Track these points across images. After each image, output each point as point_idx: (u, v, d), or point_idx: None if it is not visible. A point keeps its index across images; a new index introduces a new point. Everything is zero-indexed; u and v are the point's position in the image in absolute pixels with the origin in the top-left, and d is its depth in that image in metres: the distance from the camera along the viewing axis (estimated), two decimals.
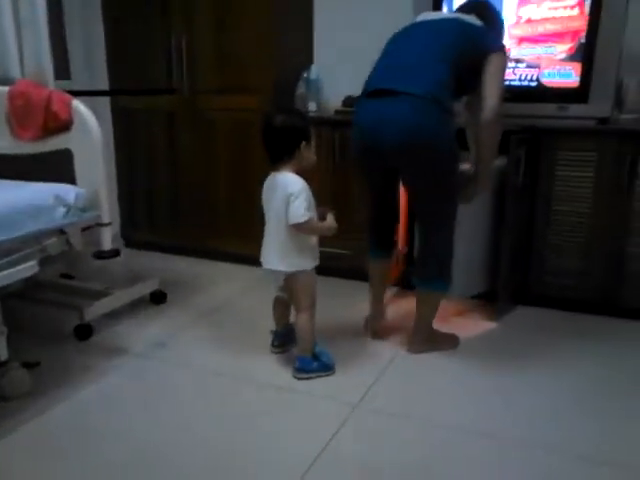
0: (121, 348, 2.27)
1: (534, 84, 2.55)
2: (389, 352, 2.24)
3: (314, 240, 2.05)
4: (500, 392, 1.98)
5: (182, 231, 3.35)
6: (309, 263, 2.03)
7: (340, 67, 3.18)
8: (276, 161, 1.99)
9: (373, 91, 2.03)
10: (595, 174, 2.43)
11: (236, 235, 3.20)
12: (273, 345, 2.24)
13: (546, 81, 2.53)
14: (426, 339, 2.23)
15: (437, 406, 1.90)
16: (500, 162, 2.40)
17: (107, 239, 2.17)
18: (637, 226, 2.41)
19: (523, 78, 2.56)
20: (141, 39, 3.20)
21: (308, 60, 3.23)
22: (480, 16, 2.12)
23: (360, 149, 2.11)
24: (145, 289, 2.65)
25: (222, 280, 3.02)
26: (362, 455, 1.66)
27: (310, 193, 1.98)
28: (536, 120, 2.50)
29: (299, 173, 2.00)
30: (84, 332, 2.33)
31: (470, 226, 2.39)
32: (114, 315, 2.50)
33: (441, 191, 2.05)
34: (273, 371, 2.11)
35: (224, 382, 2.05)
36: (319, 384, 2.02)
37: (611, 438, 1.73)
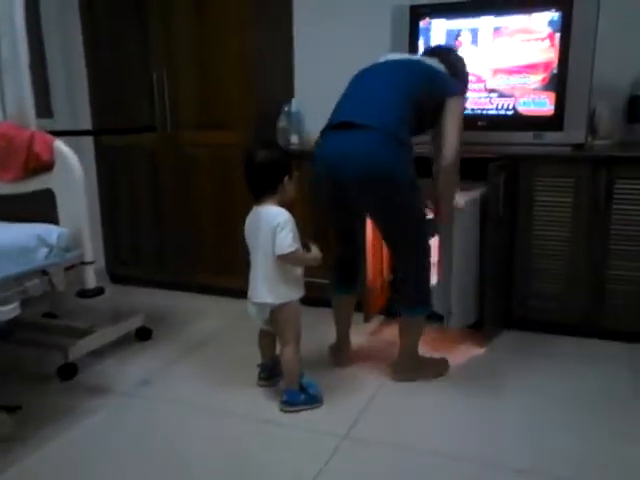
0: (105, 387, 2.24)
1: (510, 113, 2.61)
2: (376, 381, 2.23)
3: (299, 271, 2.08)
4: (487, 418, 1.98)
5: (167, 266, 3.34)
6: (295, 294, 2.05)
7: (321, 100, 3.20)
8: (259, 196, 2.02)
9: (335, 124, 2.08)
10: (573, 199, 2.48)
11: (220, 269, 3.20)
12: (260, 378, 2.23)
13: (522, 110, 2.59)
14: (411, 366, 2.23)
15: (424, 434, 1.90)
16: (480, 190, 2.45)
17: (90, 278, 2.16)
18: (615, 249, 2.44)
19: (500, 107, 2.62)
20: (123, 75, 3.24)
21: (288, 93, 3.28)
22: (443, 61, 2.21)
23: (323, 182, 2.15)
24: (130, 326, 2.63)
25: (207, 314, 3.00)
26: None
27: (294, 225, 2.00)
28: (513, 148, 2.56)
29: (281, 206, 2.02)
30: (68, 372, 2.30)
31: (462, 257, 2.42)
32: (99, 353, 2.48)
33: (404, 220, 2.09)
34: (259, 405, 2.10)
35: (210, 418, 2.03)
36: (306, 416, 2.01)
37: (593, 459, 1.73)
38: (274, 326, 2.09)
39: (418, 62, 2.19)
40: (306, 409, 2.04)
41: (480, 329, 2.56)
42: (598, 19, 2.39)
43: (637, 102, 2.61)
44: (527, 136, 2.57)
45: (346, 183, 2.02)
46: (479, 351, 2.49)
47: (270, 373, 2.22)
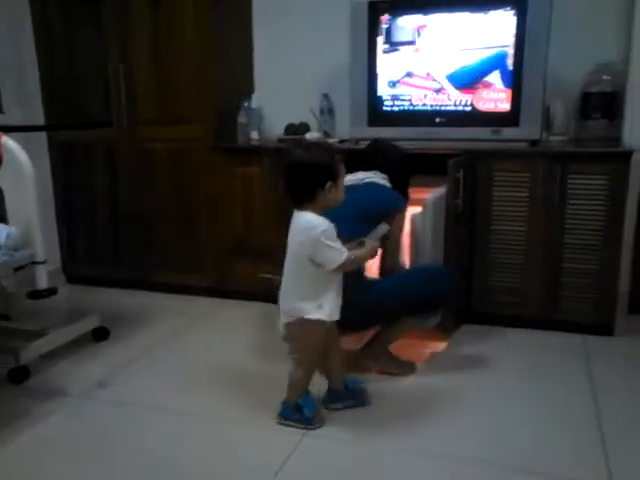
0: (59, 390, 2.18)
1: (468, 109, 2.63)
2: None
3: (334, 292, 1.83)
4: (449, 414, 1.99)
5: (126, 264, 3.27)
6: (317, 313, 1.80)
7: (281, 95, 3.21)
8: (297, 201, 1.80)
9: None
10: (529, 194, 2.52)
11: (182, 266, 3.15)
12: (324, 400, 2.02)
13: (479, 106, 2.61)
14: (380, 354, 2.24)
15: (388, 430, 1.90)
16: (446, 186, 2.46)
17: (42, 278, 2.09)
18: (570, 242, 2.50)
19: (458, 103, 2.64)
20: (77, 69, 3.15)
21: (249, 89, 3.25)
22: (383, 169, 2.24)
23: None
24: (86, 326, 2.57)
25: (167, 313, 2.95)
26: None
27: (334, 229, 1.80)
28: (472, 143, 2.58)
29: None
30: (19, 375, 2.23)
31: (432, 254, 2.41)
32: (54, 355, 2.40)
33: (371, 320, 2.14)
34: (218, 404, 2.07)
35: (167, 419, 1.99)
36: (264, 416, 1.98)
37: (539, 447, 1.77)
38: (289, 341, 1.91)
39: (365, 187, 2.19)
40: (299, 428, 1.89)
41: (441, 324, 2.57)
42: (551, 17, 2.43)
43: (589, 99, 2.67)
44: (485, 132, 2.60)
45: None
46: (441, 346, 2.51)
47: (336, 397, 2.02)
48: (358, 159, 2.35)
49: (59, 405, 2.08)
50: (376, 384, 2.16)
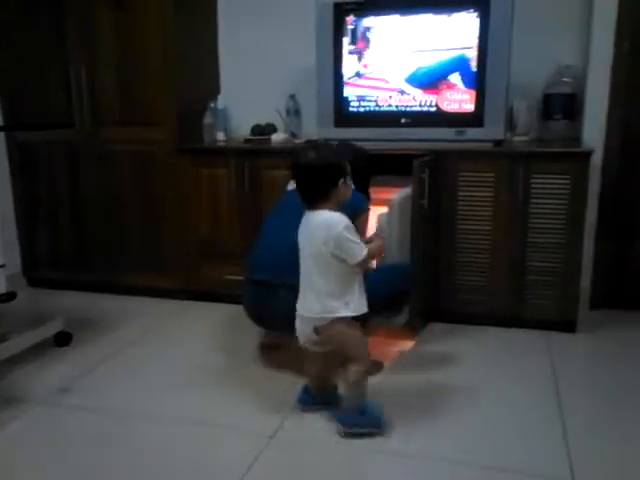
0: (21, 396, 2.12)
1: (433, 109, 2.66)
2: (303, 380, 2.21)
3: (359, 286, 1.83)
4: (417, 412, 2.00)
5: (89, 267, 3.21)
6: (350, 310, 1.80)
7: (247, 96, 3.19)
8: (310, 201, 1.81)
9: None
10: (494, 193, 2.56)
11: (147, 268, 3.10)
12: (299, 401, 2.02)
13: (444, 107, 2.64)
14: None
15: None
16: (408, 188, 2.47)
17: (0, 282, 2.03)
18: (534, 241, 2.54)
19: (423, 104, 2.66)
20: (38, 67, 3.08)
21: (215, 90, 3.22)
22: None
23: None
24: (48, 331, 2.50)
25: (133, 316, 2.90)
26: None
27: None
28: (436, 144, 2.61)
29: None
30: None
31: (399, 254, 2.42)
32: (14, 361, 2.33)
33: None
34: (184, 407, 2.04)
35: (133, 423, 1.96)
36: (232, 417, 1.97)
37: (503, 445, 1.80)
38: (325, 345, 1.86)
39: None
40: (371, 432, 1.85)
41: (408, 323, 2.59)
42: (513, 20, 2.47)
43: (551, 100, 2.72)
44: (450, 132, 2.63)
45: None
46: (408, 344, 2.52)
47: (314, 400, 2.00)
48: None
49: (20, 412, 2.02)
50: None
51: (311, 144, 1.96)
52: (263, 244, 2.24)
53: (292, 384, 2.18)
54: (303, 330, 1.86)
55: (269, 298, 2.12)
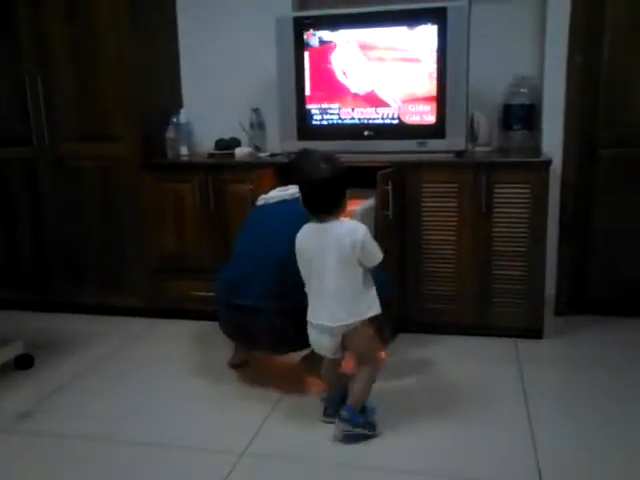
0: None
1: (395, 122, 2.68)
2: (275, 395, 2.19)
3: (374, 287, 1.91)
4: (391, 425, 1.97)
5: (50, 286, 3.13)
6: (372, 311, 1.88)
7: (210, 110, 3.17)
8: (324, 212, 1.86)
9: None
10: (458, 204, 2.58)
11: (111, 287, 3.04)
12: (326, 415, 2.00)
13: (406, 119, 2.67)
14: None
15: (323, 442, 1.88)
16: (371, 199, 2.48)
17: None
18: (498, 249, 2.57)
19: (385, 117, 2.68)
20: None
21: (177, 104, 3.19)
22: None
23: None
24: (7, 354, 2.42)
25: (97, 336, 2.83)
26: None
27: None
28: (400, 156, 2.63)
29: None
30: None
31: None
32: None
33: None
34: (151, 429, 2.00)
35: (96, 447, 1.91)
36: (201, 436, 1.93)
37: (473, 452, 1.80)
38: (350, 349, 1.91)
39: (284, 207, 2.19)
40: (362, 434, 1.87)
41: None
42: (469, 32, 2.52)
43: (510, 111, 2.78)
44: (412, 144, 2.65)
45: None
46: (379, 355, 2.51)
47: (338, 408, 1.95)
48: (288, 171, 2.35)
49: None
50: (314, 397, 2.15)
51: (315, 155, 1.97)
52: (242, 266, 2.18)
53: (261, 400, 2.16)
54: (323, 340, 1.88)
55: (251, 320, 2.09)
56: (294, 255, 1.94)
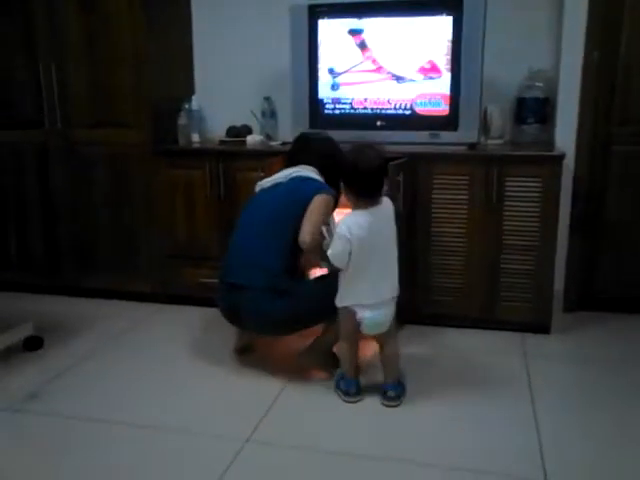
0: None
1: (408, 112, 2.67)
2: (279, 383, 2.20)
3: None
4: (395, 416, 2.00)
5: (60, 270, 3.14)
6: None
7: (222, 97, 3.17)
8: (375, 196, 1.98)
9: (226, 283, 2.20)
10: (468, 196, 2.57)
11: (120, 272, 3.06)
12: (355, 394, 2.08)
13: (419, 110, 2.65)
14: (321, 354, 2.25)
15: (330, 431, 1.89)
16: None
17: None
18: (508, 243, 2.56)
19: (397, 107, 2.67)
20: (5, 67, 3.02)
21: (189, 90, 3.19)
22: (311, 162, 2.28)
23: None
24: (16, 335, 2.44)
25: (106, 320, 2.85)
26: None
27: None
28: (411, 147, 2.61)
29: None
30: None
31: None
32: None
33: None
34: (158, 412, 2.01)
35: (103, 429, 1.92)
36: (207, 421, 1.95)
37: (479, 446, 1.80)
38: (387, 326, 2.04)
39: (288, 185, 2.23)
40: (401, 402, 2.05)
41: None
42: (485, 24, 2.49)
43: (524, 104, 2.75)
44: (424, 135, 2.64)
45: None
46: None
47: (360, 387, 2.10)
48: (288, 155, 2.39)
49: None
50: (317, 386, 2.15)
51: (357, 146, 2.04)
52: (237, 250, 2.24)
53: (266, 386, 2.17)
54: (380, 316, 1.99)
55: (239, 299, 2.14)
56: (291, 239, 2.09)
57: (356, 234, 1.93)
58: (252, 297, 2.11)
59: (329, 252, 1.97)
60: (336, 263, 1.97)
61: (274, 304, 2.09)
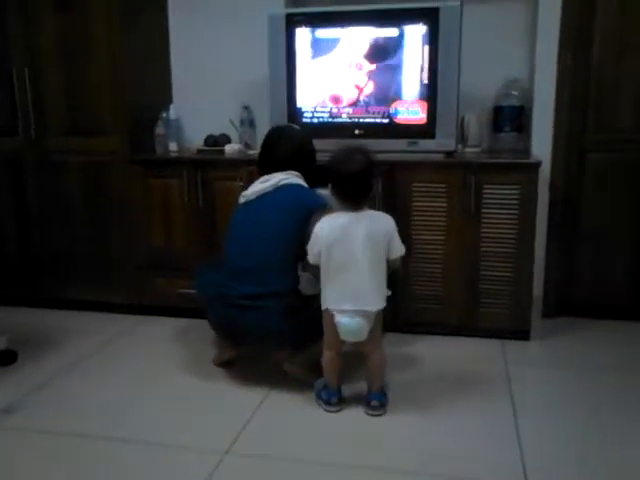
0: None
1: (386, 121, 2.67)
2: (260, 394, 2.18)
3: None
4: (377, 426, 1.98)
5: (36, 281, 3.09)
6: (384, 300, 2.03)
7: (201, 106, 3.15)
8: (359, 202, 1.96)
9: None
10: (447, 204, 2.58)
11: (97, 283, 3.01)
12: (336, 403, 2.05)
13: (397, 118, 2.66)
14: (306, 363, 2.22)
15: (310, 440, 1.88)
16: None
17: None
18: (487, 250, 2.57)
19: (375, 115, 2.68)
20: None
21: (167, 99, 3.17)
22: (296, 166, 2.27)
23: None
24: None
25: (82, 332, 2.80)
26: None
27: None
28: (390, 155, 2.62)
29: None
30: None
31: None
32: None
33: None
34: (136, 426, 1.98)
35: (79, 444, 1.88)
36: (185, 434, 1.92)
37: (460, 454, 1.80)
38: (366, 335, 1.98)
39: (277, 194, 2.20)
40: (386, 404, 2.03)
41: None
42: (461, 33, 2.52)
43: (500, 112, 2.78)
44: (402, 143, 2.65)
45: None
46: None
47: (341, 396, 2.08)
48: (265, 156, 2.34)
49: None
50: (299, 396, 2.13)
51: (347, 149, 2.02)
52: (237, 263, 2.18)
53: (247, 397, 2.14)
54: (354, 324, 1.93)
55: (242, 317, 2.10)
56: (294, 255, 2.07)
57: (326, 234, 1.94)
58: (262, 315, 2.07)
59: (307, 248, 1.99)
60: (311, 260, 2.00)
61: (286, 323, 2.07)
